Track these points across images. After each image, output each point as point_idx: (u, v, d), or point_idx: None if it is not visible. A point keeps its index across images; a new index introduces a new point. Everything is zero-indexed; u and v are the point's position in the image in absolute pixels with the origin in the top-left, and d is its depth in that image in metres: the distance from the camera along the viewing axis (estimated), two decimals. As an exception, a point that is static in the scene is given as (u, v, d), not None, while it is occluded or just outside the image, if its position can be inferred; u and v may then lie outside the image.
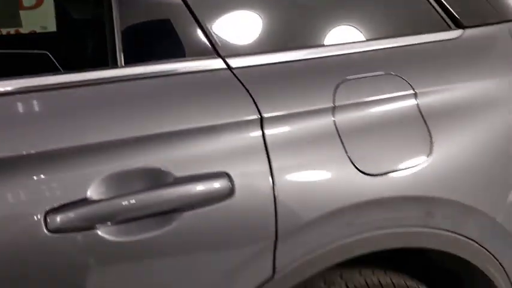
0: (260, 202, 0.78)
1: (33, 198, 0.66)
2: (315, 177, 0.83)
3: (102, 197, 0.68)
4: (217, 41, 0.85)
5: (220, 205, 0.75)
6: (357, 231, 0.87)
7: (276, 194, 0.79)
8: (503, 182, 1.05)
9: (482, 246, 1.02)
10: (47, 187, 0.67)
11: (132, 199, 0.69)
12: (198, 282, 0.76)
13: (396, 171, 0.90)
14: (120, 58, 0.79)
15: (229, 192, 0.75)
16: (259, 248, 0.79)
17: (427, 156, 0.93)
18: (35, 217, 0.65)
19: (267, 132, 0.80)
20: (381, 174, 0.88)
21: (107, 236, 0.68)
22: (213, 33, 0.85)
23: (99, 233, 0.68)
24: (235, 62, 0.84)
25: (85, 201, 0.67)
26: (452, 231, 0.98)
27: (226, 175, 0.75)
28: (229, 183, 0.75)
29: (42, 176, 0.66)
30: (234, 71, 0.83)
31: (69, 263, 0.68)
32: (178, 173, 0.73)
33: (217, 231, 0.76)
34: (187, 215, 0.73)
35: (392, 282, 0.98)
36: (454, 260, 1.08)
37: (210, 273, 0.77)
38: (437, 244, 0.98)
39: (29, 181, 0.66)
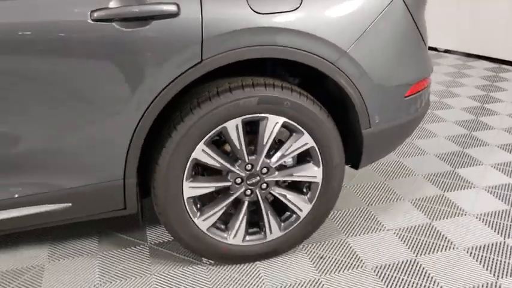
0: (194, 21, 1.55)
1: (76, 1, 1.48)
2: (227, 11, 1.59)
3: (116, 6, 1.49)
4: None
5: (173, 19, 1.53)
6: (252, 44, 1.63)
7: (203, 16, 1.56)
8: (356, 27, 1.76)
9: (335, 65, 1.75)
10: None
11: (128, 7, 1.49)
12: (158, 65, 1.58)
13: (279, 13, 1.64)
14: None
15: (177, 13, 1.53)
16: (193, 45, 1.57)
17: (299, 5, 1.65)
18: (85, 13, 1.47)
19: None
20: (268, 14, 1.62)
21: (118, 27, 1.49)
22: None
23: (115, 24, 1.49)
24: None
25: (107, 8, 1.48)
26: (320, 56, 1.72)
27: (176, 4, 1.53)
28: (177, 8, 1.53)
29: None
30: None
31: (102, 41, 1.50)
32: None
33: (170, 35, 1.55)
34: (156, 22, 1.53)
35: (264, 82, 1.74)
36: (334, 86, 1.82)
37: (163, 61, 1.57)
38: (308, 61, 1.72)
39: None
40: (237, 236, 1.92)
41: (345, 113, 1.95)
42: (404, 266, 2.00)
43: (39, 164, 1.64)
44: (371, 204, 2.45)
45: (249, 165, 1.83)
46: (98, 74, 1.54)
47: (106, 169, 1.69)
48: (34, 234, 2.19)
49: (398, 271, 1.96)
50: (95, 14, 1.48)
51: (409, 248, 2.10)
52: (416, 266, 1.99)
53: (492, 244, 2.12)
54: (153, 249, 2.11)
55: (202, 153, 1.74)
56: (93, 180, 1.69)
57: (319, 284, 1.89)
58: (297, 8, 1.65)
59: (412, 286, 1.88)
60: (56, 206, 1.69)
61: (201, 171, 1.91)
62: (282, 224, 1.98)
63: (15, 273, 1.96)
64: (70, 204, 1.70)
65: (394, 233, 2.21)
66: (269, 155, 1.85)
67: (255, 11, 1.61)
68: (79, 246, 2.12)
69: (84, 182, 1.69)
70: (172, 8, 1.53)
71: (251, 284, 1.89)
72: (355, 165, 2.06)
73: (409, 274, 1.95)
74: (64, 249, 2.10)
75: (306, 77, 2.04)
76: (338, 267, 1.99)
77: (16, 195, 1.65)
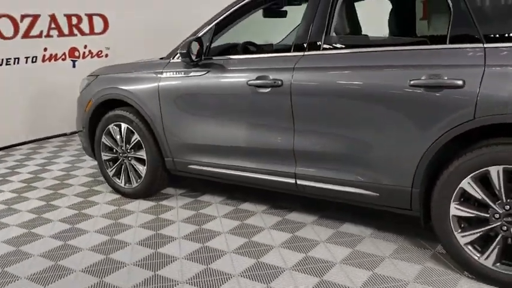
0: (472, 91, 2.31)
1: (403, 74, 2.53)
2: (500, 87, 2.26)
3: (424, 79, 2.45)
4: None
5: (459, 89, 2.35)
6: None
7: (480, 89, 2.29)
8: None
9: None
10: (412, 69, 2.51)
11: (433, 80, 2.43)
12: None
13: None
14: None
15: (463, 86, 2.34)
16: (469, 107, 2.32)
17: None
18: (406, 81, 2.50)
19: None
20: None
21: (416, 90, 2.45)
22: None
23: (423, 90, 2.46)
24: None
25: (419, 79, 2.47)
26: None
27: (463, 80, 2.34)
28: (463, 83, 2.34)
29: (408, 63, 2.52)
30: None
31: (412, 98, 2.51)
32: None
33: (454, 98, 2.37)
34: (446, 90, 2.40)
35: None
36: None
37: (447, 115, 2.39)
38: None
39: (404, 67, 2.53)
40: (488, 260, 2.44)
41: None
42: None
43: (374, 164, 2.77)
44: None
45: (508, 206, 2.35)
46: (406, 116, 2.55)
47: (403, 178, 2.65)
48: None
49: None
50: (411, 82, 2.49)
51: None
52: None
53: None
54: (434, 254, 2.85)
55: (468, 185, 2.42)
56: (395, 182, 2.70)
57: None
58: None
59: None
60: (370, 193, 2.80)
61: (473, 201, 2.53)
62: (537, 265, 2.34)
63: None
64: (378, 194, 2.76)
65: None
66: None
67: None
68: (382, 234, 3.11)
69: (390, 182, 2.72)
70: (460, 82, 2.35)
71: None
72: None
73: None
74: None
75: None
76: None
77: (359, 178, 2.84)
